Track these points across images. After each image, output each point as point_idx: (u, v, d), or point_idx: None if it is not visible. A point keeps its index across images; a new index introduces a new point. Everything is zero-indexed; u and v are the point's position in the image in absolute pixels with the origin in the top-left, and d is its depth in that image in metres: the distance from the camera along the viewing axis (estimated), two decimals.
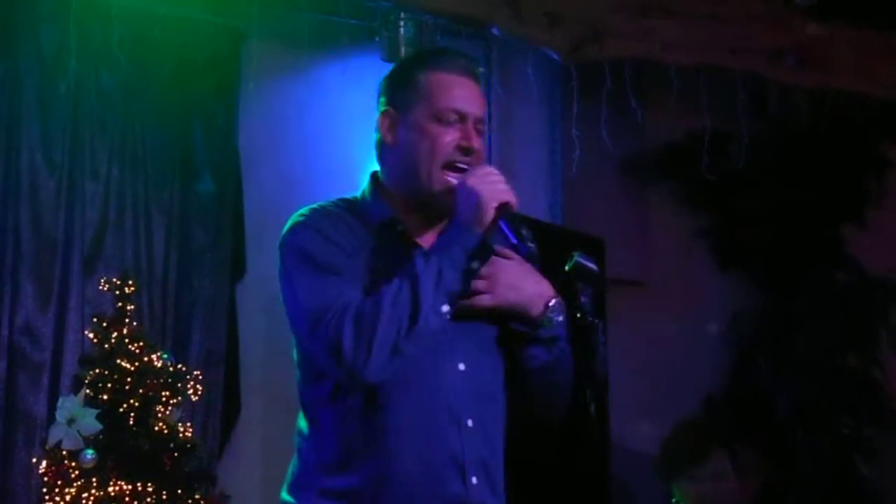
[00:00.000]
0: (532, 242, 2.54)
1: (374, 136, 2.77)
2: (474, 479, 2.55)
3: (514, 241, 2.55)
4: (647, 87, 6.40)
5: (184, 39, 6.08)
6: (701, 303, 6.83)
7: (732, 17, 6.22)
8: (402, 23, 6.10)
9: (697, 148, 6.43)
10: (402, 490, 2.49)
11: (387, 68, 6.48)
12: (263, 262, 6.25)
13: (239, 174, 6.27)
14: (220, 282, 6.18)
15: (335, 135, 6.50)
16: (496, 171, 2.57)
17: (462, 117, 2.63)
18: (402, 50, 6.09)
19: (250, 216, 6.27)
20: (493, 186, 2.52)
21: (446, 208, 2.60)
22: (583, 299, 2.58)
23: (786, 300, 6.85)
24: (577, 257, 2.60)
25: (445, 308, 2.44)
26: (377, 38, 6.23)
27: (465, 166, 2.61)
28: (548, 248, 5.82)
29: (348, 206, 2.70)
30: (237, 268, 6.24)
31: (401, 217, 2.65)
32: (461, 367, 2.59)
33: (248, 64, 6.24)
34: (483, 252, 2.52)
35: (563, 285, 2.66)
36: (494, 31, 6.07)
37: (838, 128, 6.78)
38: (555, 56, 6.15)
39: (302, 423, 2.64)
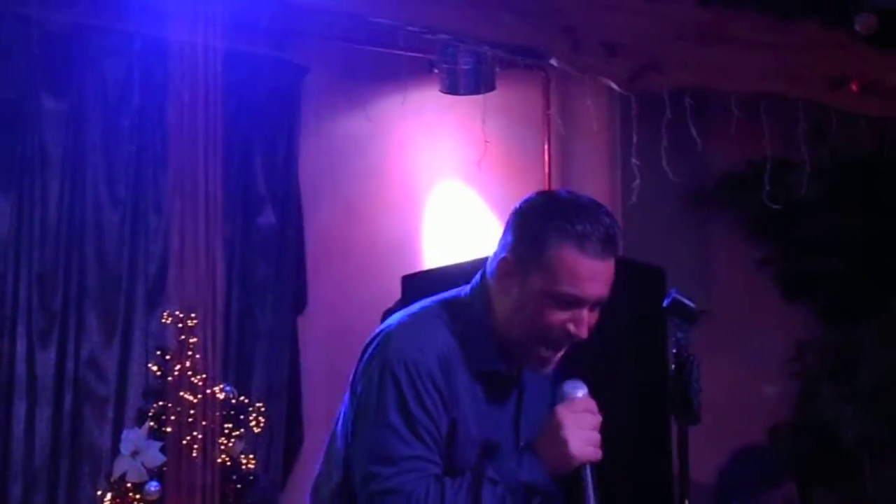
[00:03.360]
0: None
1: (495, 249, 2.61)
2: None
3: (588, 501, 2.46)
4: (707, 115, 6.37)
5: (245, 74, 6.14)
6: (765, 332, 6.76)
7: (791, 44, 6.19)
8: (460, 55, 6.12)
9: (759, 176, 6.38)
10: None
11: (446, 99, 6.54)
12: (325, 295, 6.29)
13: (300, 207, 6.31)
14: (282, 314, 6.21)
15: (395, 167, 6.53)
16: (593, 408, 2.49)
17: (579, 304, 2.49)
18: (461, 81, 6.12)
19: (312, 249, 6.30)
20: (585, 439, 2.45)
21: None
22: (680, 335, 2.64)
23: (850, 330, 6.78)
24: (675, 294, 2.65)
25: None
26: (436, 70, 6.25)
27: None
28: None
29: (455, 331, 2.54)
30: (299, 300, 6.27)
31: (503, 356, 2.58)
32: None
33: (308, 97, 6.28)
34: (547, 496, 2.50)
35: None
36: (553, 61, 6.08)
37: None
38: (613, 86, 6.14)
39: None
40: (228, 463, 5.15)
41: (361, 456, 2.48)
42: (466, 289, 2.63)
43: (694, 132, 6.13)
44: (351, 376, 2.59)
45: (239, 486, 5.15)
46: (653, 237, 6.61)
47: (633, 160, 6.28)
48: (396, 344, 2.50)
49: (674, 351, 2.66)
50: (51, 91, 5.88)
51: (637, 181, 6.29)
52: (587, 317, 2.50)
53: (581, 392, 2.50)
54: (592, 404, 2.49)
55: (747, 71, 6.18)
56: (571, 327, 2.49)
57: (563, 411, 2.46)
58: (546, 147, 6.58)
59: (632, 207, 6.48)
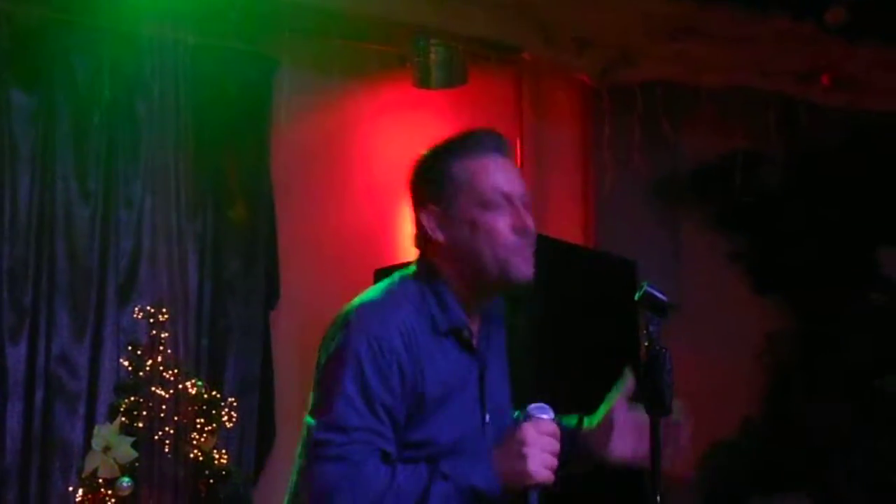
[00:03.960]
0: None
1: (413, 231, 2.69)
2: None
3: None
4: (679, 109, 6.40)
5: (216, 68, 6.12)
6: (736, 325, 6.79)
7: (763, 38, 6.22)
8: (432, 49, 6.13)
9: (730, 169, 6.43)
10: None
11: (418, 93, 6.55)
12: (297, 289, 6.27)
13: (272, 201, 6.29)
14: (253, 309, 6.19)
15: (367, 161, 6.52)
16: (556, 434, 2.50)
17: (508, 198, 2.58)
18: (433, 75, 6.12)
19: (283, 243, 6.28)
20: (544, 461, 2.46)
21: (512, 286, 2.61)
22: (651, 328, 2.65)
23: (821, 322, 6.82)
24: (647, 287, 2.67)
25: None
26: (408, 64, 6.26)
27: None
28: (581, 271, 5.81)
29: (414, 304, 2.59)
30: (271, 294, 6.25)
31: (465, 313, 2.62)
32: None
33: (279, 91, 6.26)
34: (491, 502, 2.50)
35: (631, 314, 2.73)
36: (525, 55, 6.09)
37: (871, 147, 6.76)
38: (586, 79, 6.16)
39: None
40: (201, 458, 5.14)
41: (314, 423, 2.51)
42: (411, 267, 2.67)
43: (665, 125, 6.16)
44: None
45: (211, 481, 5.14)
46: (624, 229, 6.64)
47: (605, 153, 6.31)
48: (358, 319, 2.54)
49: (645, 344, 2.67)
50: (20, 85, 5.84)
51: (609, 174, 6.31)
52: (524, 214, 2.58)
53: (547, 416, 2.51)
54: (556, 430, 2.51)
55: (718, 64, 6.21)
56: (518, 224, 2.56)
57: (528, 429, 2.48)
58: (518, 140, 6.58)
59: (604, 200, 6.51)
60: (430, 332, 2.55)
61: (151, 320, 5.27)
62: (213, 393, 5.35)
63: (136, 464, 5.00)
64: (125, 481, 4.96)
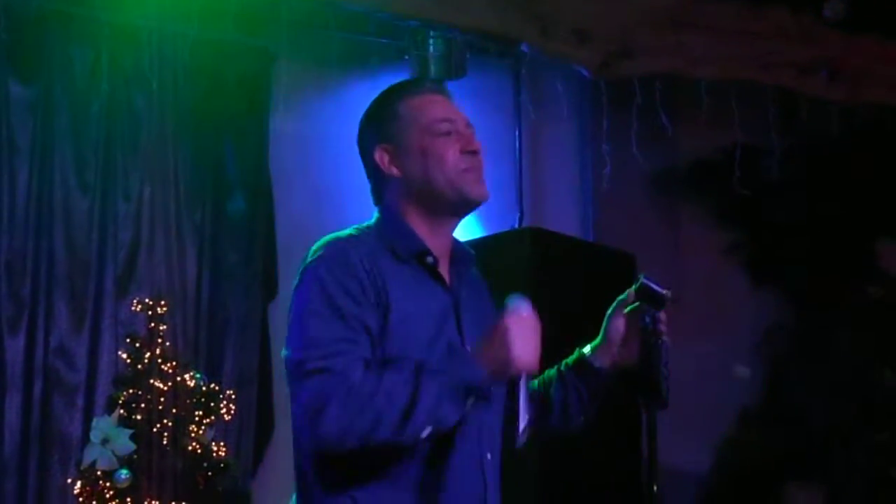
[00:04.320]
0: (527, 422, 2.53)
1: (370, 183, 2.82)
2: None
3: (520, 411, 2.53)
4: (678, 102, 6.39)
5: (214, 61, 6.11)
6: (734, 318, 6.79)
7: (762, 31, 6.22)
8: (430, 41, 6.13)
9: (728, 163, 6.42)
10: None
11: None
12: None
13: (270, 194, 6.29)
14: (252, 301, 6.19)
15: None
16: (537, 327, 2.53)
17: (453, 125, 2.72)
18: (432, 68, 6.12)
19: (282, 235, 6.28)
20: (528, 350, 2.49)
21: (469, 203, 2.71)
22: (647, 320, 2.70)
23: (819, 315, 6.82)
24: (644, 279, 2.71)
25: (427, 432, 2.46)
26: (406, 57, 6.25)
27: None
28: (579, 264, 5.79)
29: (374, 239, 2.68)
30: (269, 287, 6.25)
31: (426, 241, 2.69)
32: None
33: (278, 84, 6.26)
34: (481, 394, 2.53)
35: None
36: (524, 47, 6.08)
37: (870, 140, 6.75)
38: (584, 72, 6.15)
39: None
40: (199, 451, 5.14)
41: (288, 350, 2.56)
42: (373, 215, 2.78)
43: (664, 118, 6.15)
44: None
45: (210, 473, 5.15)
46: (623, 223, 6.63)
47: (604, 146, 6.31)
48: (320, 251, 2.63)
49: (642, 336, 2.68)
50: (19, 77, 5.84)
51: (608, 167, 6.31)
52: (469, 137, 2.73)
53: (526, 309, 2.54)
54: (537, 323, 2.54)
55: (717, 57, 6.21)
56: (465, 146, 2.71)
57: (511, 319, 2.51)
58: (517, 133, 6.58)
59: (602, 193, 6.51)
60: (392, 259, 2.62)
61: (150, 312, 5.27)
62: (212, 385, 5.35)
63: (135, 456, 5.01)
64: (123, 473, 4.97)
